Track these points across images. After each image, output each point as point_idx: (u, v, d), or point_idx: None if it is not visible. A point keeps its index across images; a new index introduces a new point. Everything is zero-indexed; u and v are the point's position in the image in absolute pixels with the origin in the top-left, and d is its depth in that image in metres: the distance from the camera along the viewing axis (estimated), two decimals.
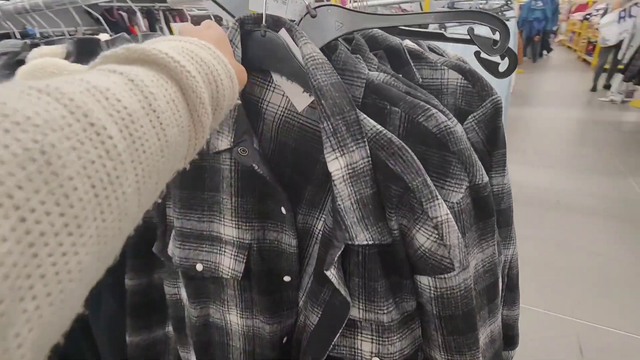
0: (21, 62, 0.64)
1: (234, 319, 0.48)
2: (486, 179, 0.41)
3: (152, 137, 0.19)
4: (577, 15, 7.79)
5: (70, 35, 0.86)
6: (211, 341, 0.51)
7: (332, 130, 0.35)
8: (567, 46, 8.97)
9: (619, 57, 4.21)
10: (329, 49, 0.43)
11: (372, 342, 0.41)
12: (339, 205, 0.36)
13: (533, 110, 4.41)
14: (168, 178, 0.23)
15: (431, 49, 0.66)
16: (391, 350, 0.40)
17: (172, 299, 0.53)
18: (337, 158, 0.35)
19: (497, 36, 0.42)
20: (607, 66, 4.64)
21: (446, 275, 0.36)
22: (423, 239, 0.36)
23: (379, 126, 0.37)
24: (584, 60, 6.88)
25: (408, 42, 0.59)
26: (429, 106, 0.38)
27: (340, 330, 0.39)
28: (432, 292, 0.37)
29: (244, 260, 0.44)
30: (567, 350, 1.35)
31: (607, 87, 4.67)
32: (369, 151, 0.36)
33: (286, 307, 0.46)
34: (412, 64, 0.49)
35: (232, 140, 0.40)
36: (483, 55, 0.51)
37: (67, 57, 0.69)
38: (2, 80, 0.60)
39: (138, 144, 0.18)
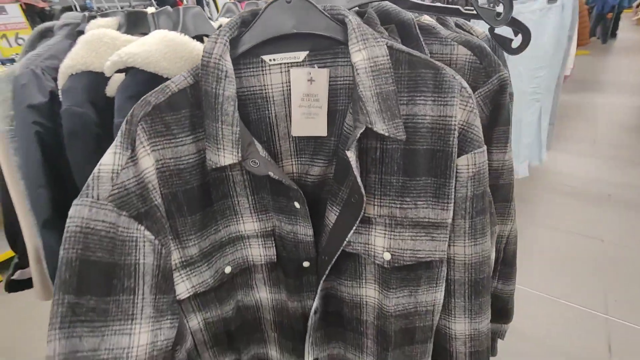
0: (81, 32, 0.73)
1: (263, 295, 0.53)
2: None
3: None
4: None
5: (122, 9, 0.95)
6: (245, 322, 0.54)
7: (355, 25, 0.40)
8: None
9: None
10: None
11: (384, 237, 0.44)
12: (361, 92, 0.39)
13: (594, 98, 4.05)
14: None
15: (458, 25, 0.66)
16: (402, 247, 0.43)
17: (226, 313, 0.53)
18: (360, 50, 0.39)
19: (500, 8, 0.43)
20: None
21: (479, 150, 0.41)
22: (460, 111, 0.39)
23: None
24: None
25: (426, 18, 0.60)
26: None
27: (355, 226, 0.42)
28: (471, 170, 0.41)
29: (274, 245, 0.49)
30: (597, 348, 1.31)
31: None
32: (387, 51, 0.40)
33: (306, 289, 0.50)
34: (421, 39, 0.50)
35: (240, 155, 0.41)
36: (497, 30, 0.51)
37: (119, 28, 0.77)
38: (66, 48, 0.69)
39: None
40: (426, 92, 0.40)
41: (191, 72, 0.43)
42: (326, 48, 0.42)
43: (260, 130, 0.46)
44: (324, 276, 0.46)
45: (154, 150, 0.40)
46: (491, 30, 0.52)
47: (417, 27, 0.51)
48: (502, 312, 0.65)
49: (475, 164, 0.41)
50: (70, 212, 0.37)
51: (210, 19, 0.77)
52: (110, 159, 0.38)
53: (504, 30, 0.53)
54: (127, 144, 0.39)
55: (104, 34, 0.68)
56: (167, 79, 0.59)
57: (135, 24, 0.79)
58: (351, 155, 0.39)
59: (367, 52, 0.39)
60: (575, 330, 1.38)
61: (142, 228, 0.39)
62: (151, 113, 0.40)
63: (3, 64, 2.01)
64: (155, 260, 0.41)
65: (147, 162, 0.40)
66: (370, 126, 0.38)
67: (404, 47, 0.41)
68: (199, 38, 0.63)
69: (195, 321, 0.49)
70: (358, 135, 0.38)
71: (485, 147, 0.41)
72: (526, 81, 1.64)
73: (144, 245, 0.39)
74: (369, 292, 0.48)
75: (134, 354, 0.38)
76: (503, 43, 0.52)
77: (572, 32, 1.72)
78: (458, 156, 0.41)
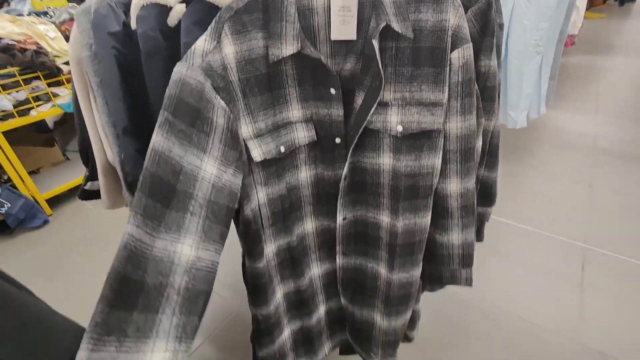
0: None
1: (303, 174, 0.66)
2: None
3: None
4: None
5: None
6: (290, 203, 0.67)
7: None
8: None
9: None
10: None
11: (397, 115, 0.59)
12: (382, 0, 0.53)
13: (602, 60, 4.07)
14: None
15: None
16: (410, 120, 0.59)
17: (273, 196, 0.65)
18: None
19: None
20: None
21: (467, 45, 0.55)
22: (452, 17, 0.54)
23: None
24: None
25: None
26: None
27: (375, 105, 0.57)
28: (461, 60, 0.56)
29: (313, 128, 0.64)
30: (572, 268, 1.52)
31: None
32: None
33: (337, 161, 0.65)
34: None
35: (299, 45, 0.54)
36: None
37: None
38: (119, 14, 0.83)
39: None
40: (428, 3, 0.54)
41: None
42: None
43: (307, 35, 0.60)
44: (352, 148, 0.62)
45: (234, 43, 0.53)
46: None
47: None
48: (487, 196, 0.83)
49: (464, 56, 0.56)
50: (174, 71, 0.53)
51: None
52: (202, 43, 0.52)
53: None
54: (215, 36, 0.52)
55: None
56: (221, 7, 0.75)
57: None
58: (375, 43, 0.54)
59: None
60: (555, 256, 1.58)
61: (219, 98, 0.53)
62: (234, 16, 0.53)
63: (38, 15, 2.15)
64: (226, 123, 0.54)
65: (229, 50, 0.53)
66: (389, 23, 0.53)
67: None
68: None
69: (261, 194, 0.63)
70: (380, 28, 0.53)
71: (471, 44, 0.56)
72: (529, 33, 1.74)
73: (218, 110, 0.54)
74: (385, 160, 0.64)
75: (202, 174, 0.52)
76: None
77: None
78: (451, 51, 0.56)
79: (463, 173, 0.65)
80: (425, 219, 0.67)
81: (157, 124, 0.52)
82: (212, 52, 0.53)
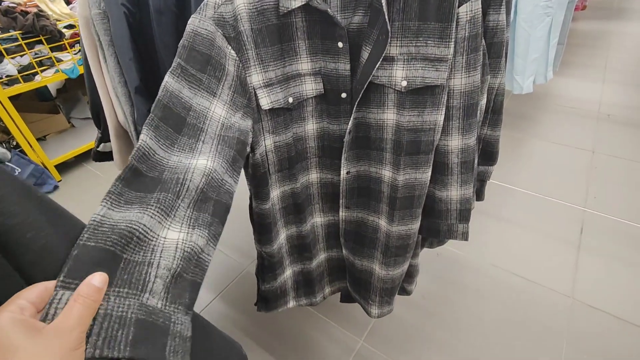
0: None
1: (309, 126, 0.69)
2: None
3: None
4: None
5: None
6: (297, 154, 0.70)
7: None
8: None
9: None
10: None
11: (402, 69, 0.60)
12: None
13: (613, 26, 3.96)
14: None
15: None
16: (415, 75, 0.60)
17: (280, 145, 0.68)
18: None
19: None
20: None
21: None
22: None
23: None
24: None
25: None
26: None
27: (382, 58, 0.57)
28: (468, 14, 0.57)
29: (321, 81, 0.66)
30: (570, 230, 1.57)
31: None
32: None
33: (343, 115, 0.67)
34: None
35: None
36: None
37: None
38: None
39: None
40: None
41: None
42: None
43: None
44: (357, 101, 0.64)
45: None
46: None
47: None
48: (489, 154, 0.85)
49: (472, 10, 0.57)
50: (188, 23, 0.55)
51: None
52: None
53: None
54: None
55: None
56: None
57: None
58: None
59: None
60: (554, 219, 1.63)
61: (230, 47, 0.56)
62: None
63: None
64: (235, 71, 0.57)
65: (241, 2, 0.55)
66: None
67: None
68: None
69: (269, 141, 0.66)
70: None
71: None
72: None
73: (229, 58, 0.57)
74: (389, 116, 0.66)
75: (211, 114, 0.55)
76: None
77: None
78: (459, 5, 0.56)
79: (465, 129, 0.67)
80: (426, 175, 0.70)
81: (168, 71, 0.55)
82: (224, 3, 0.56)
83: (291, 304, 0.90)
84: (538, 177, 1.88)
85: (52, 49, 1.96)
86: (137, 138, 1.03)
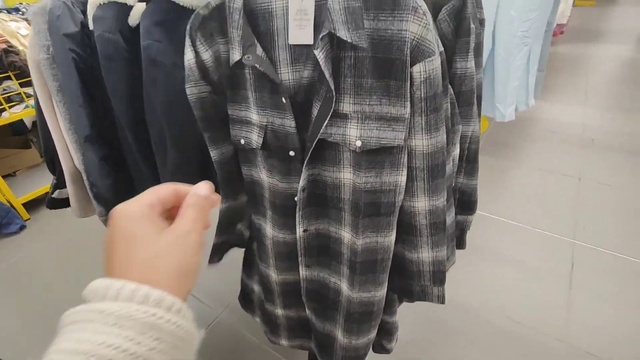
0: None
1: (263, 176, 0.67)
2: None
3: None
4: None
5: None
6: (255, 193, 0.70)
7: None
8: None
9: None
10: None
11: (357, 129, 0.55)
12: (330, 6, 0.48)
13: (592, 49, 4.05)
14: None
15: None
16: (370, 135, 0.55)
17: (247, 179, 0.72)
18: None
19: None
20: None
21: (429, 59, 0.49)
22: (415, 26, 0.48)
23: None
24: None
25: None
26: None
27: (329, 117, 0.53)
28: (422, 75, 0.51)
29: (263, 136, 0.62)
30: (561, 264, 1.50)
31: None
32: None
33: (293, 173, 0.63)
34: None
35: (242, 52, 0.54)
36: None
37: None
38: (76, 14, 0.78)
39: None
40: (387, 10, 0.49)
41: None
42: None
43: (266, 41, 0.57)
44: (307, 160, 0.59)
45: (209, 48, 0.59)
46: None
47: None
48: (466, 204, 0.79)
49: (426, 71, 0.51)
50: (187, 93, 0.62)
51: None
52: (190, 56, 0.59)
53: None
54: (190, 44, 0.58)
55: None
56: (185, 7, 0.70)
57: None
58: (318, 53, 0.49)
59: None
60: (544, 252, 1.57)
61: (209, 88, 0.63)
62: (202, 22, 0.57)
63: (9, 12, 2.05)
64: (213, 108, 0.64)
65: (206, 55, 0.59)
66: (333, 32, 0.49)
67: None
68: None
69: (244, 170, 0.70)
70: (320, 36, 0.49)
71: (436, 56, 0.50)
72: (517, 24, 1.70)
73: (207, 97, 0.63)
74: (345, 175, 0.61)
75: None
76: None
77: None
78: (413, 64, 0.51)
79: (431, 190, 0.60)
80: (388, 238, 0.63)
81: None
82: (193, 58, 0.60)
83: (258, 319, 0.92)
84: (525, 206, 1.83)
85: (22, 84, 1.89)
86: (90, 187, 0.97)
